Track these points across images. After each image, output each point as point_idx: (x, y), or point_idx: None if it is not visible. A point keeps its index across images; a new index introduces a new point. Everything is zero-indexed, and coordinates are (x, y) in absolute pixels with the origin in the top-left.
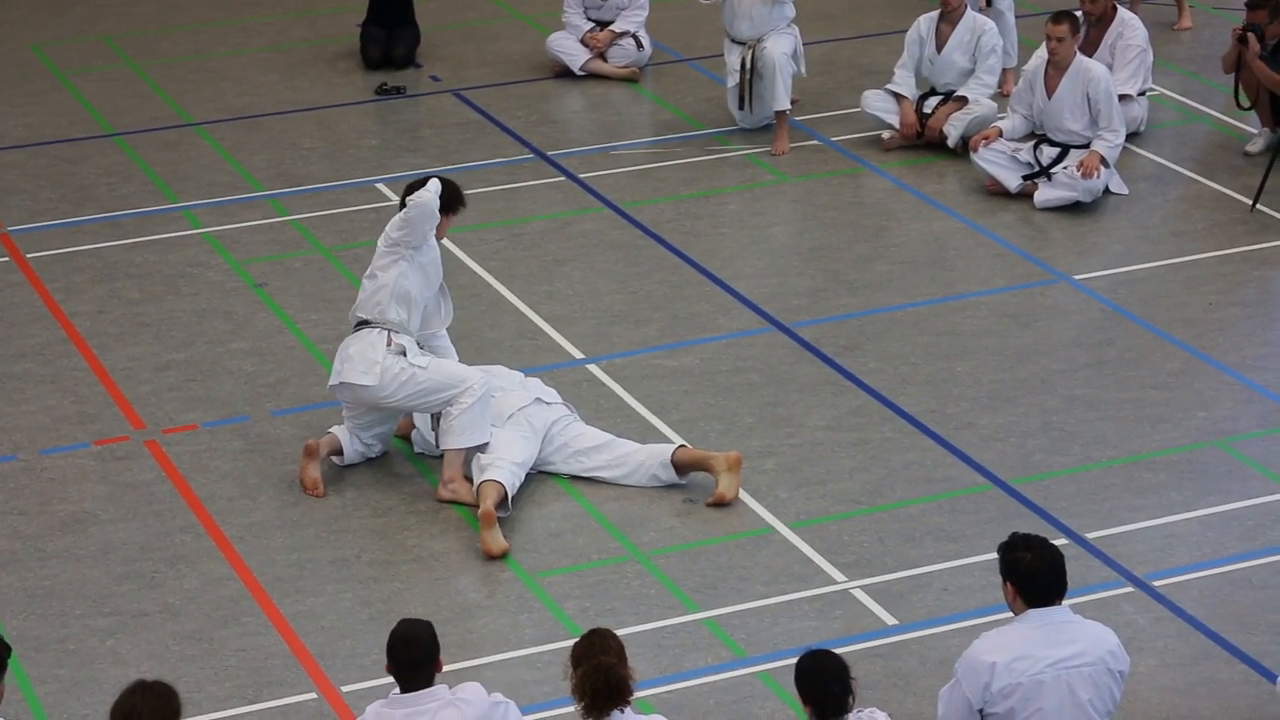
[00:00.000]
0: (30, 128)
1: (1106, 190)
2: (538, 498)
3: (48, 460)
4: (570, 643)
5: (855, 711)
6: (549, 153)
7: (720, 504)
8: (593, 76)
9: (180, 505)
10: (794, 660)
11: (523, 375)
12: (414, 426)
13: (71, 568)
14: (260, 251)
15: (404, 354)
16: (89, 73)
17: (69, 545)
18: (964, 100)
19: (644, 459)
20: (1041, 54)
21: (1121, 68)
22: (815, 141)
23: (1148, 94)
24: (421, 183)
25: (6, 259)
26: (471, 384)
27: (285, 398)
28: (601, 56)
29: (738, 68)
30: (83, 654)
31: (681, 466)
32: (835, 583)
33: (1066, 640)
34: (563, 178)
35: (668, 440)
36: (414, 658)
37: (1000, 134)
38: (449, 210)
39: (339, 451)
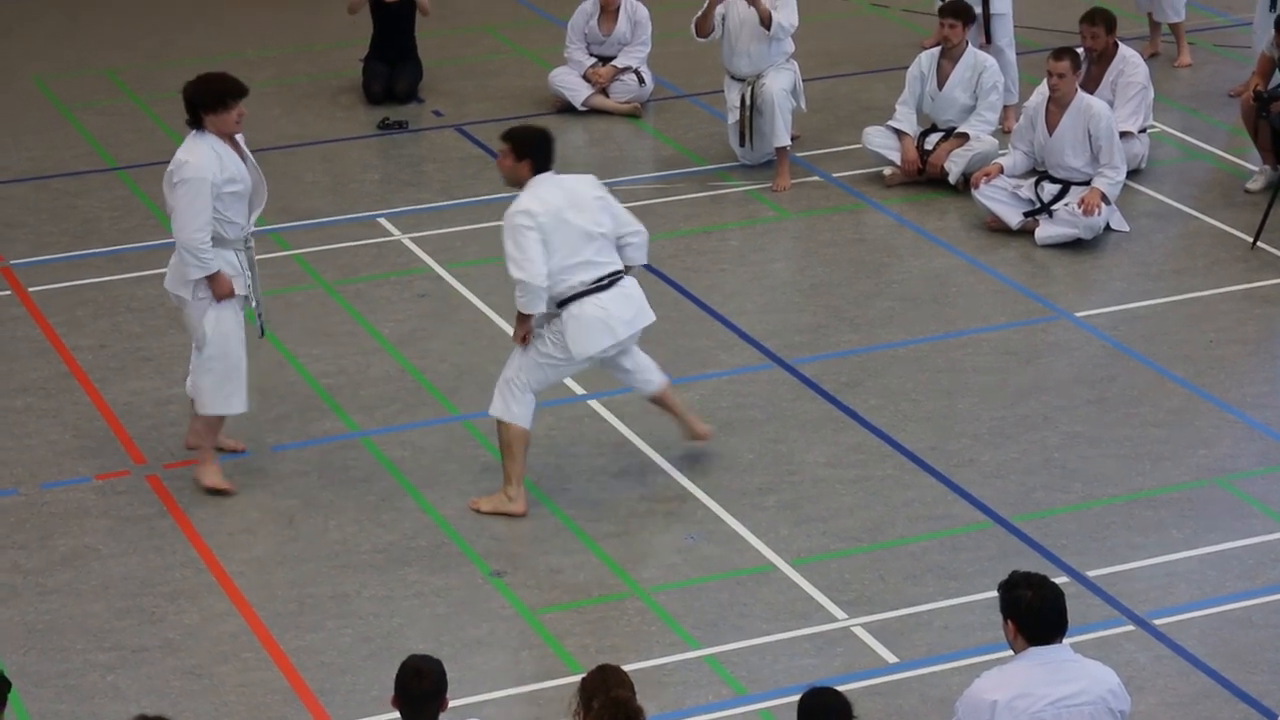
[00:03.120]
0: (33, 161)
1: (1107, 227)
2: (538, 534)
3: (49, 494)
4: (571, 680)
5: None
6: None
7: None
8: (595, 112)
9: (181, 540)
10: (795, 698)
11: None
12: None
13: (72, 602)
14: (262, 285)
15: None
16: (92, 106)
17: (69, 580)
18: (965, 137)
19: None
20: (1043, 90)
21: (1122, 105)
22: (816, 178)
23: (1148, 131)
24: None
25: (8, 292)
26: None
27: (286, 433)
28: (603, 92)
29: (737, 104)
30: (83, 689)
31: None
32: (836, 620)
33: (1067, 679)
34: None
35: (669, 479)
36: (424, 690)
37: (1001, 171)
38: (216, 108)
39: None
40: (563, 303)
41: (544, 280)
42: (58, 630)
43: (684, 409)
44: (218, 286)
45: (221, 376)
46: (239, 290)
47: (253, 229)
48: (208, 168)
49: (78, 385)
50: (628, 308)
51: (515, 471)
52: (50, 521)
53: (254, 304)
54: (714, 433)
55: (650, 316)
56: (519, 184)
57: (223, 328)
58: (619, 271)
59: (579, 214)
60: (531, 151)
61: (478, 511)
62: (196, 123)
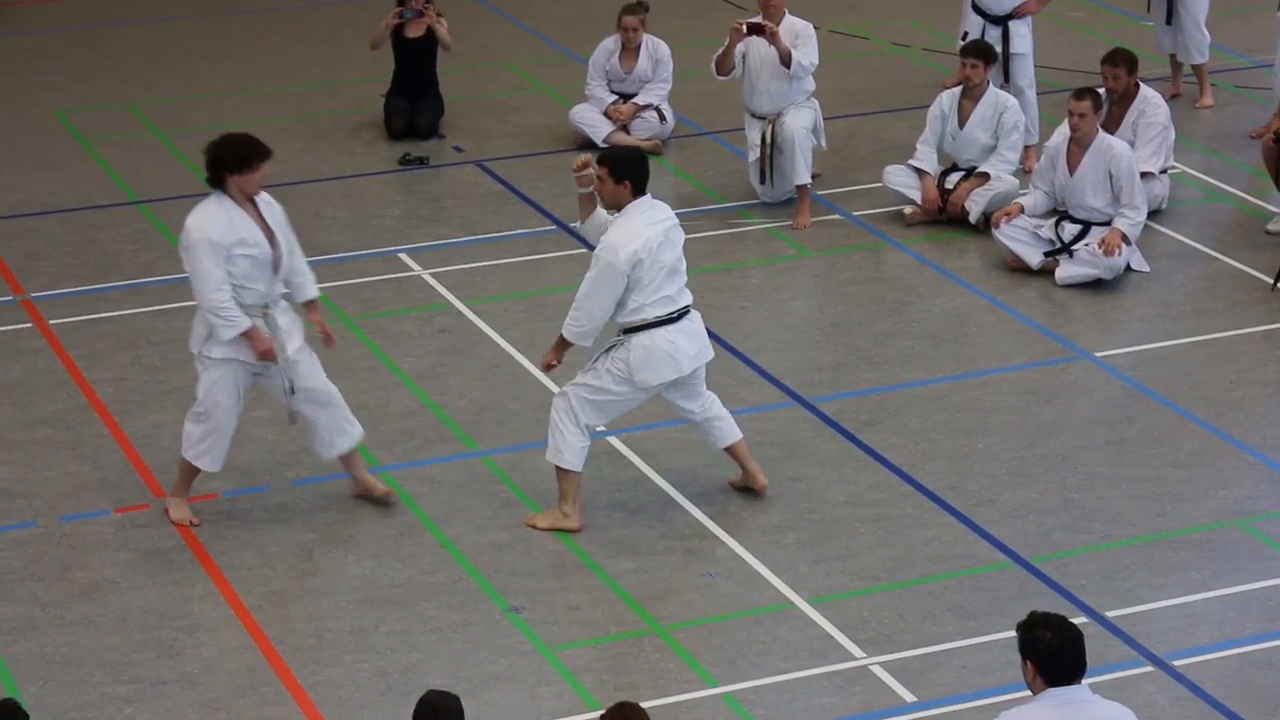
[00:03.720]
0: (54, 194)
1: (1128, 268)
2: (556, 569)
3: (68, 527)
4: (589, 716)
5: None
6: (571, 224)
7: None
8: None
9: (199, 573)
10: None
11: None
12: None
13: (90, 635)
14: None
15: None
16: (113, 140)
17: (88, 612)
18: (986, 176)
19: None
20: (1064, 130)
21: (1143, 145)
22: (837, 216)
23: (1169, 172)
24: None
25: (29, 325)
26: None
27: (305, 467)
28: (624, 129)
29: (758, 142)
30: None
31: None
32: (854, 659)
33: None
34: (585, 250)
35: (688, 516)
36: None
37: (1022, 210)
38: (241, 169)
39: None
40: (630, 329)
41: (603, 323)
42: (76, 663)
43: (748, 458)
44: (256, 344)
45: (203, 432)
46: (246, 357)
47: (280, 294)
48: (211, 229)
49: (97, 418)
50: (693, 343)
51: (570, 490)
52: (69, 554)
53: (275, 374)
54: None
55: (710, 353)
56: (619, 207)
57: (215, 393)
58: (688, 307)
59: (670, 251)
60: (629, 173)
61: (533, 528)
62: (219, 182)
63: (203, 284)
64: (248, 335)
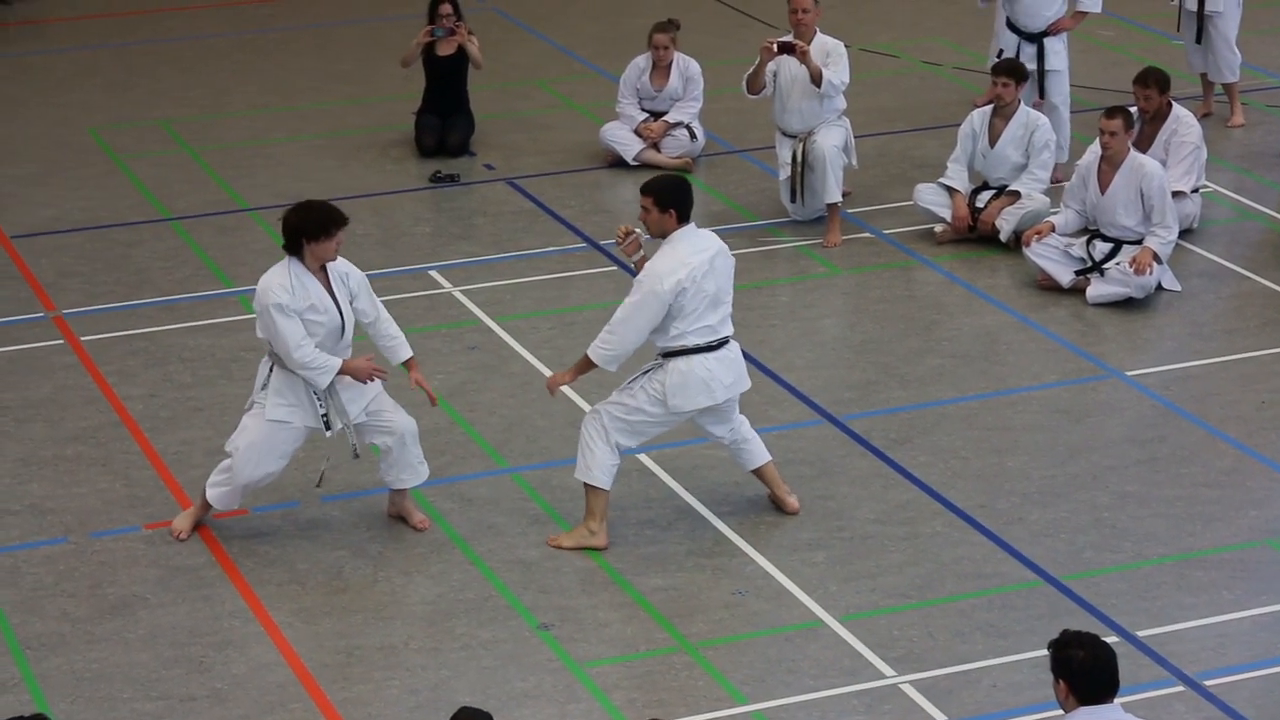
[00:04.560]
0: (87, 211)
1: (1159, 287)
2: (586, 587)
3: (98, 543)
4: None
5: None
6: (601, 242)
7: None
8: (646, 166)
9: (229, 590)
10: None
11: None
12: None
13: (120, 651)
14: None
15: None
16: (146, 157)
17: (118, 628)
18: (1016, 195)
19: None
20: (1095, 149)
21: (1175, 164)
22: (867, 234)
23: (1201, 191)
24: None
25: (61, 342)
26: None
27: (335, 484)
28: (655, 147)
29: (789, 161)
30: None
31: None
32: (884, 677)
33: None
34: (615, 267)
35: (718, 533)
36: None
37: (1053, 229)
38: (319, 236)
39: None
40: (668, 354)
41: (633, 350)
42: (106, 679)
43: (778, 481)
44: (359, 374)
45: (224, 465)
46: (304, 421)
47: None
48: (280, 294)
49: (128, 434)
50: (730, 372)
51: (598, 508)
52: (99, 570)
53: (331, 431)
54: (800, 508)
55: (747, 383)
56: (664, 235)
57: (241, 436)
58: (728, 337)
59: (714, 279)
60: (675, 202)
61: (559, 548)
62: (295, 249)
63: (285, 344)
64: (343, 372)
